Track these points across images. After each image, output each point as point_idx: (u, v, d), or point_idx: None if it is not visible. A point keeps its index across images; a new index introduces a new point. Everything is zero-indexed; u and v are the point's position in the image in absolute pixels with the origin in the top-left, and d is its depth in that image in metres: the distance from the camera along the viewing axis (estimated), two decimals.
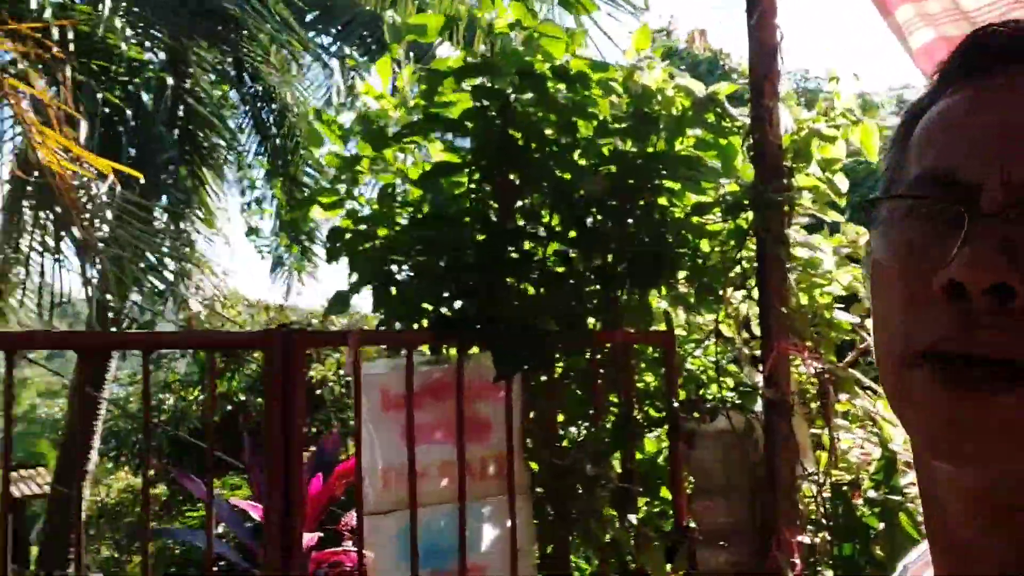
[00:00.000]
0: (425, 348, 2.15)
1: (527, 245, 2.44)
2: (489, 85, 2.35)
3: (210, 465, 1.98)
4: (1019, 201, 0.43)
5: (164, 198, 8.26)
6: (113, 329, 5.53)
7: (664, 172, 2.61)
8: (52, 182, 4.31)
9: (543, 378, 2.31)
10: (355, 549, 2.18)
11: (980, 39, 0.49)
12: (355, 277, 2.25)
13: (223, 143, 9.07)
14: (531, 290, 2.39)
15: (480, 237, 2.34)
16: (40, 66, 4.57)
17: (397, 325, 2.26)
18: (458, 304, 2.22)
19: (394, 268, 2.24)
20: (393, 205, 2.36)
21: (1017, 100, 0.46)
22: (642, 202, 2.61)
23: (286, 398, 1.89)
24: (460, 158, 2.42)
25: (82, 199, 4.54)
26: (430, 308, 2.21)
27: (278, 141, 8.82)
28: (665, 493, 2.49)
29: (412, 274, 2.24)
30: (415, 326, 2.20)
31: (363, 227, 2.38)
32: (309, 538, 3.54)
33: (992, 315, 0.42)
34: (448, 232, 2.29)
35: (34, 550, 9.45)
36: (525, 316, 2.22)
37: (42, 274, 5.01)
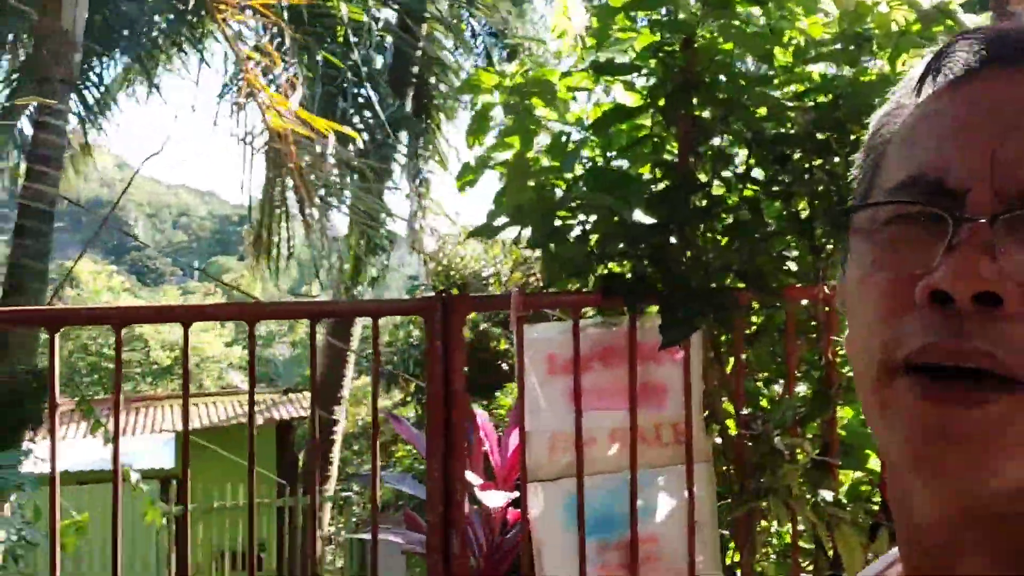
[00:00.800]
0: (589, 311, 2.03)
1: (717, 189, 2.22)
2: (669, 16, 2.14)
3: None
4: (1007, 206, 0.43)
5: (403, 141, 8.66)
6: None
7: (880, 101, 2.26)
8: (283, 147, 4.60)
9: (728, 338, 2.11)
10: None
11: (957, 45, 0.48)
12: (527, 232, 2.16)
13: (455, 85, 9.35)
14: (723, 241, 2.18)
15: (661, 185, 2.16)
16: (270, 37, 4.85)
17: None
18: (631, 261, 2.07)
19: (567, 223, 2.12)
20: (564, 155, 2.22)
21: (1002, 104, 0.45)
22: (853, 137, 2.29)
23: (447, 363, 1.86)
24: (639, 98, 2.23)
25: (312, 162, 4.81)
26: (601, 267, 2.08)
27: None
28: (873, 466, 2.21)
29: (584, 229, 2.11)
30: (578, 286, 2.08)
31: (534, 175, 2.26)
32: (506, 497, 3.58)
33: (979, 323, 0.42)
34: (625, 182, 2.12)
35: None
36: (707, 271, 2.02)
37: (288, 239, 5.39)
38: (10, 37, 6.88)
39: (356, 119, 7.55)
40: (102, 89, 8.21)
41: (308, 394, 11.88)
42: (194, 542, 8.45)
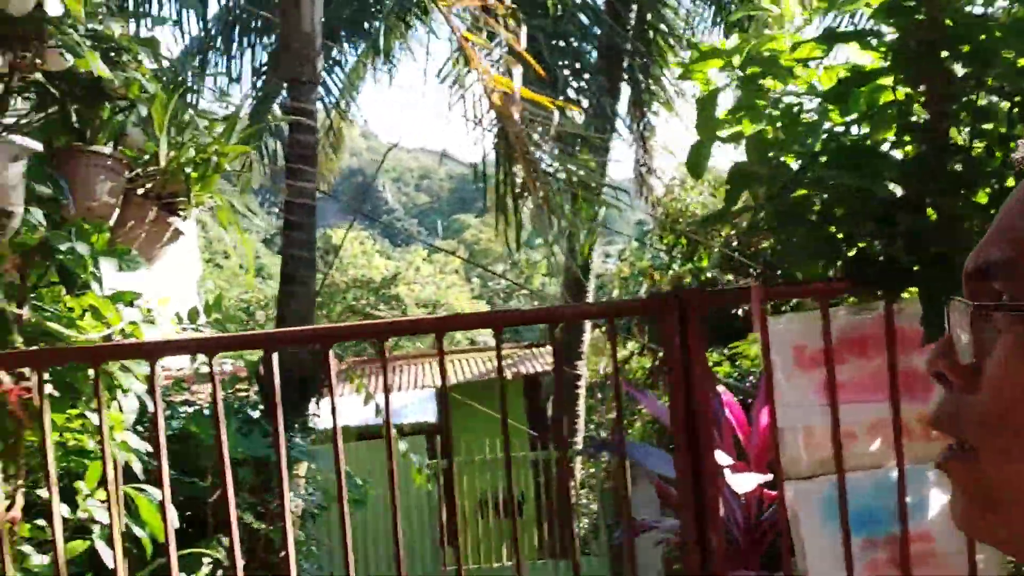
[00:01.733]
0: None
1: (977, 147, 2.00)
2: None
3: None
4: (971, 288, 0.52)
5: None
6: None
7: None
8: (507, 123, 4.71)
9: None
10: None
11: None
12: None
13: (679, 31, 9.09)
14: (991, 212, 1.96)
15: (908, 151, 1.97)
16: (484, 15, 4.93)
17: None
18: (882, 241, 1.91)
19: (806, 203, 2.00)
20: (799, 129, 2.09)
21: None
22: None
23: (687, 361, 1.84)
24: (878, 57, 2.04)
25: (532, 134, 4.88)
26: (848, 249, 1.94)
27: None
28: None
29: (825, 208, 1.98)
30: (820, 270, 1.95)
31: (769, 153, 2.15)
32: (758, 480, 3.49)
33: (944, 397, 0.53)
34: (870, 153, 1.96)
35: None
36: (971, 249, 1.83)
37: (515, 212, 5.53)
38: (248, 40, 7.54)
39: (575, 83, 7.55)
40: (344, 76, 8.81)
41: (551, 347, 12.27)
42: (459, 491, 9.06)
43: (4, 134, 2.16)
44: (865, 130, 2.08)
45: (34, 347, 2.12)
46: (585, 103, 7.74)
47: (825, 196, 1.96)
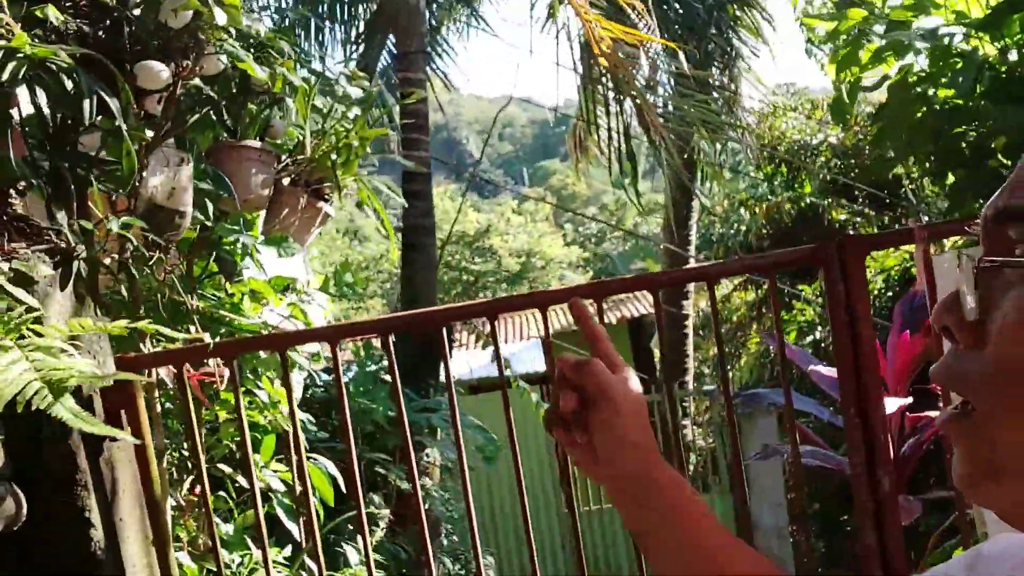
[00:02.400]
0: None
1: None
2: None
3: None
4: (987, 236, 0.49)
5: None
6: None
7: None
8: (609, 61, 4.67)
9: None
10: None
11: None
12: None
13: None
14: None
15: None
16: None
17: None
18: None
19: (966, 140, 1.95)
20: (951, 61, 2.03)
21: None
22: None
23: (850, 308, 1.84)
24: None
25: (628, 72, 4.82)
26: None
27: None
28: None
29: (982, 143, 1.93)
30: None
31: (917, 89, 2.10)
32: (899, 403, 3.46)
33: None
34: None
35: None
36: None
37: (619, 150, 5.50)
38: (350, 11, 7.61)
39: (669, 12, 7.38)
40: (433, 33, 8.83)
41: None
42: None
43: (171, 141, 2.29)
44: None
45: (224, 340, 2.28)
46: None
47: (983, 131, 1.92)
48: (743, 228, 10.69)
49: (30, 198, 1.92)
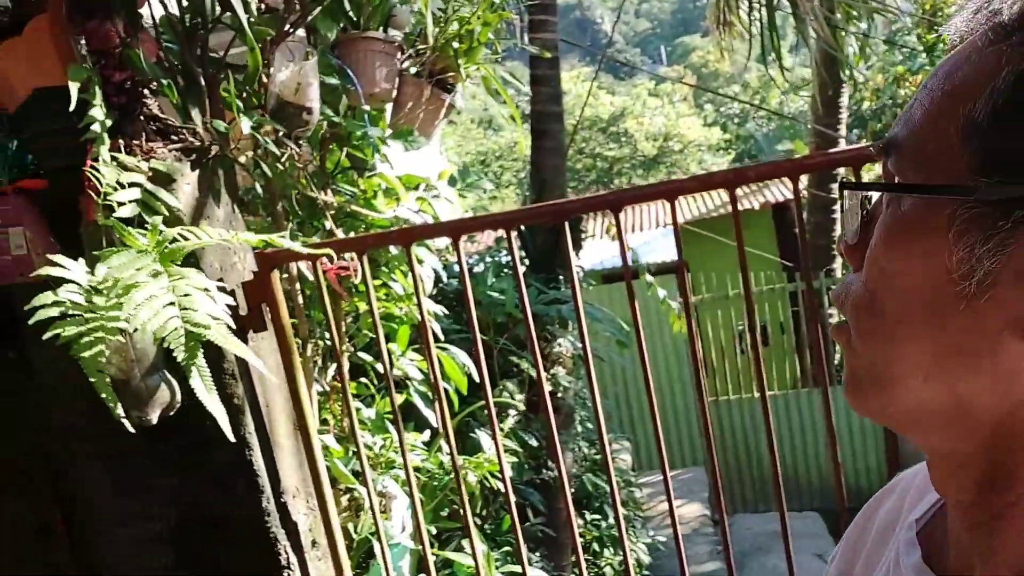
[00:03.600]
0: None
1: None
2: None
3: None
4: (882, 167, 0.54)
5: None
6: None
7: None
8: None
9: None
10: None
11: None
12: None
13: None
14: None
15: None
16: None
17: None
18: None
19: None
20: None
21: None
22: None
23: None
24: None
25: None
26: None
27: None
28: None
29: None
30: None
31: None
32: None
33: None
34: None
35: None
36: None
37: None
38: None
39: None
40: None
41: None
42: (714, 324, 9.09)
43: (297, 35, 2.29)
44: None
45: (354, 234, 2.32)
46: None
47: None
48: (899, 104, 9.95)
49: (163, 100, 1.97)
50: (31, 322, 1.55)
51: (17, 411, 2.13)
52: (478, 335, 1.98)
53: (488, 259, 4.01)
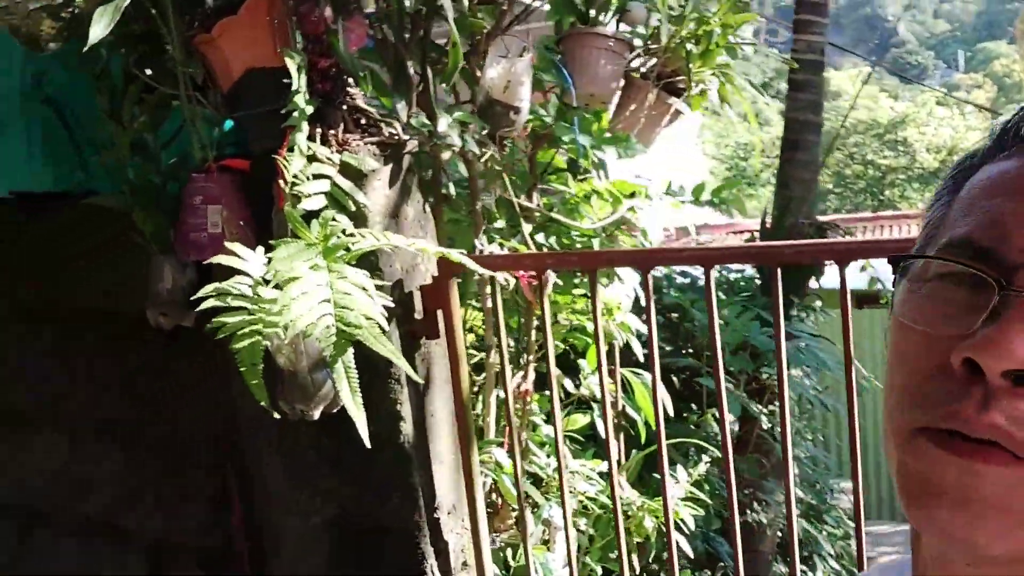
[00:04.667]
0: None
1: None
2: None
3: None
4: None
5: None
6: None
7: None
8: None
9: None
10: None
11: None
12: None
13: None
14: None
15: None
16: None
17: None
18: None
19: None
20: None
21: None
22: None
23: None
24: None
25: None
26: None
27: None
28: None
29: None
30: None
31: None
32: None
33: (1005, 398, 0.43)
34: None
35: None
36: None
37: None
38: None
39: None
40: None
41: None
42: None
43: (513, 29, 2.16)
44: None
45: (553, 242, 2.17)
46: None
47: None
48: None
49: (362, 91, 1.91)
50: (198, 308, 1.54)
51: (212, 384, 2.20)
52: (658, 372, 1.76)
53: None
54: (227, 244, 1.64)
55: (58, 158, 2.27)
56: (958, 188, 0.51)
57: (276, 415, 1.73)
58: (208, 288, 1.55)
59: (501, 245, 2.33)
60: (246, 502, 2.20)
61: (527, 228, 2.37)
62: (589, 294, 1.95)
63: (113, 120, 1.98)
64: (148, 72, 1.91)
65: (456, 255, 1.72)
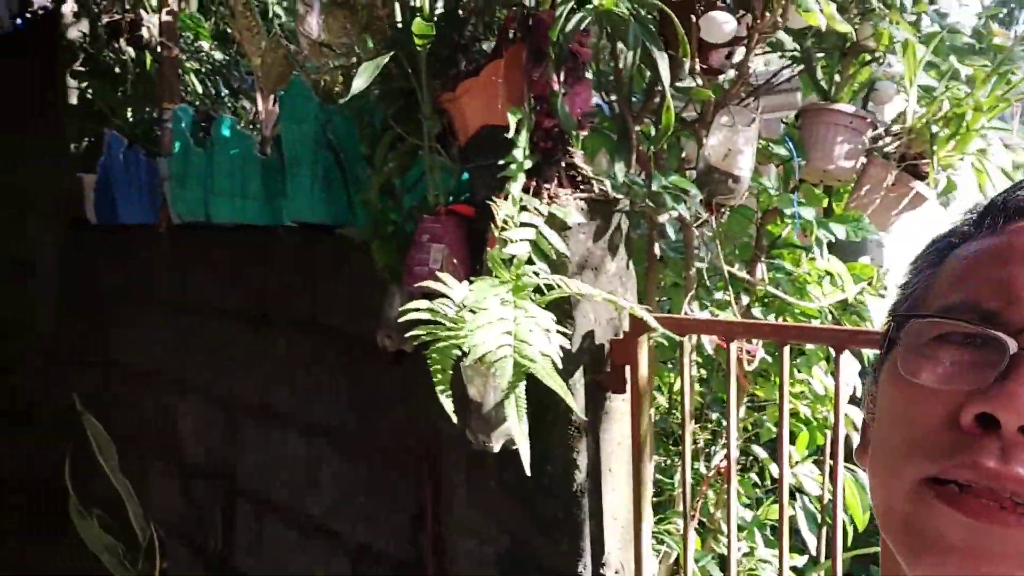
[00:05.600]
0: None
1: None
2: None
3: None
4: None
5: None
6: None
7: None
8: None
9: None
10: None
11: (1017, 191, 0.53)
12: None
13: None
14: None
15: None
16: None
17: None
18: None
19: None
20: None
21: None
22: None
23: None
24: None
25: None
26: None
27: None
28: None
29: None
30: None
31: None
32: None
33: (1022, 452, 0.44)
34: None
35: None
36: None
37: None
38: None
39: None
40: None
41: None
42: None
43: (748, 100, 2.17)
44: None
45: (725, 319, 2.13)
46: None
47: None
48: None
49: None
50: (401, 320, 1.71)
51: (420, 406, 2.38)
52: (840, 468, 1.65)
53: None
54: (438, 274, 1.81)
55: (332, 195, 2.61)
56: (939, 262, 0.55)
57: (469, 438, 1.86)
58: (415, 303, 1.71)
59: (713, 313, 2.31)
60: (438, 521, 2.34)
61: (745, 300, 2.33)
62: (800, 374, 1.88)
63: (368, 164, 2.26)
64: (401, 124, 2.16)
65: (640, 311, 1.75)
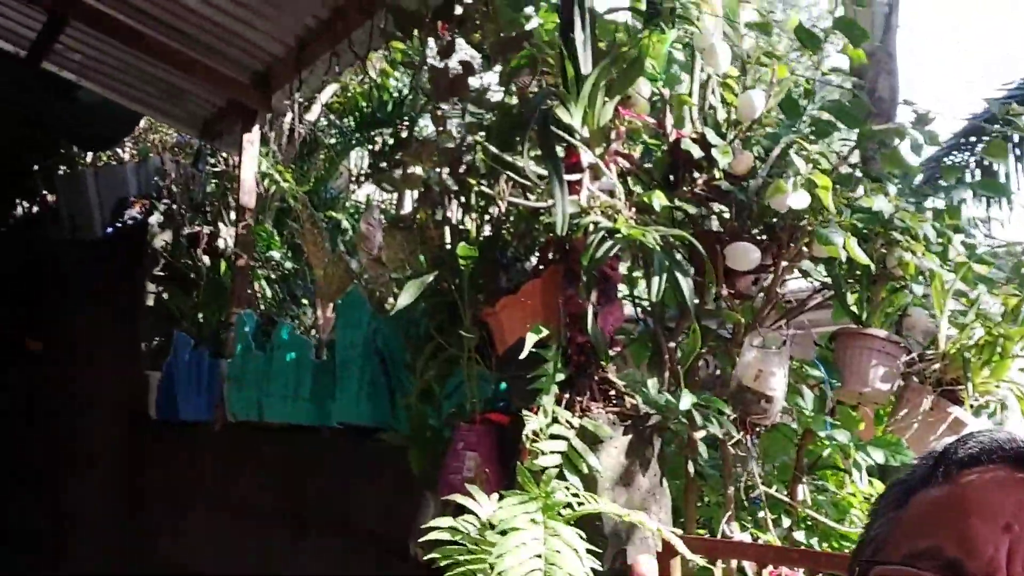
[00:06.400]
0: None
1: None
2: None
3: None
4: None
5: None
6: None
7: None
8: None
9: None
10: None
11: (972, 439, 0.58)
12: None
13: None
14: None
15: None
16: None
17: None
18: None
19: None
20: None
21: (1011, 503, 0.53)
22: None
23: None
24: None
25: None
26: None
27: None
28: None
29: None
30: None
31: None
32: None
33: None
34: None
35: None
36: None
37: None
38: None
39: None
40: None
41: None
42: None
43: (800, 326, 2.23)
44: None
45: (758, 544, 2.07)
46: None
47: None
48: None
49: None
50: (422, 540, 1.72)
51: None
52: None
53: None
54: (467, 487, 1.83)
55: (377, 398, 2.70)
56: (901, 504, 0.58)
57: None
58: (438, 521, 1.73)
59: (753, 535, 2.25)
60: None
61: (787, 522, 2.28)
62: None
63: (411, 371, 2.35)
64: (443, 335, 2.27)
65: (667, 533, 1.73)
